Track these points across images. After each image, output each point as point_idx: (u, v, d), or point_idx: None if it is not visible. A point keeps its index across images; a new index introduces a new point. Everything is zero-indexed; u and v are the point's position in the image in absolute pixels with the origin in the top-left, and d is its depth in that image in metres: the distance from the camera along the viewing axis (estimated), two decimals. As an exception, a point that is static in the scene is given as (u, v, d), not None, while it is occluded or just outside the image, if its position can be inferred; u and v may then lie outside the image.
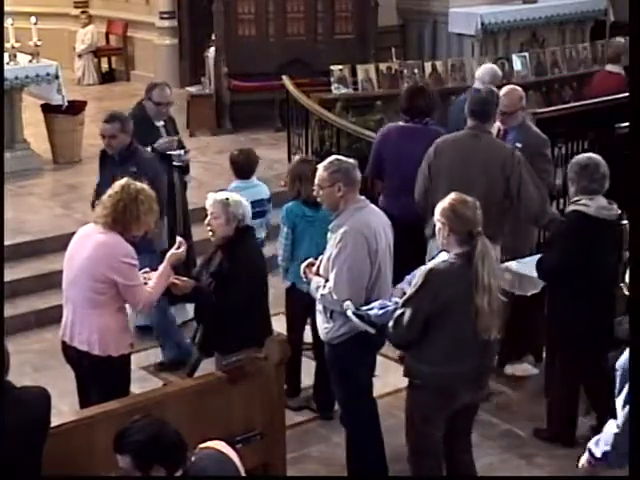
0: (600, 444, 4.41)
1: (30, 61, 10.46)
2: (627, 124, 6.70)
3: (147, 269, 5.63)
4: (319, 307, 5.60)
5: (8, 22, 10.31)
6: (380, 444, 5.76)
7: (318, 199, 5.64)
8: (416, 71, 11.18)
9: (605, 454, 4.37)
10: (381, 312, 5.29)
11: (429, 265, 5.17)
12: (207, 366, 7.23)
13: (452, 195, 5.12)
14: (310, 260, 5.71)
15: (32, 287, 8.22)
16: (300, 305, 6.54)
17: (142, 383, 6.69)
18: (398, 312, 5.11)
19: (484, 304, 4.95)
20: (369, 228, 5.46)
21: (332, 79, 11.02)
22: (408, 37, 14.01)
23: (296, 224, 6.58)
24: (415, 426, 5.26)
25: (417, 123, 7.29)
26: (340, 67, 11.07)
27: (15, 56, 10.32)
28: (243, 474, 4.12)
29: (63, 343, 5.54)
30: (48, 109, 10.87)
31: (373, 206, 5.68)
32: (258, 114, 12.00)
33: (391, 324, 5.13)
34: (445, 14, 13.35)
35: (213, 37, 12.16)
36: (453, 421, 5.26)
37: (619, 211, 5.95)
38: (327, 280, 5.46)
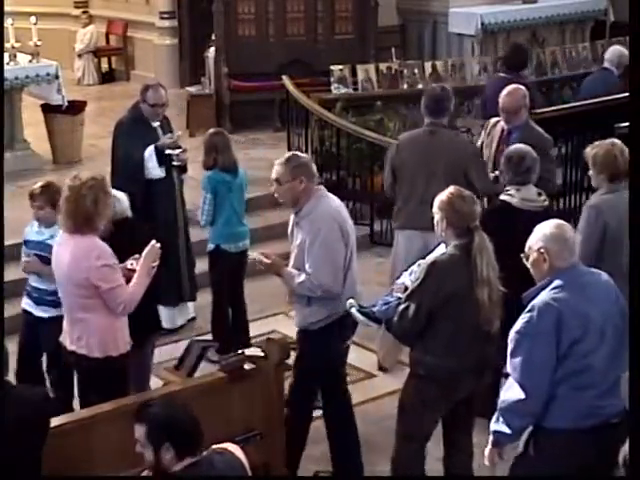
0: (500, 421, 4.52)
1: (30, 61, 10.47)
2: (627, 124, 6.69)
3: (136, 256, 5.58)
4: (295, 295, 5.68)
5: (8, 22, 10.31)
6: (355, 430, 5.93)
7: (275, 195, 5.71)
8: (416, 71, 11.18)
9: (512, 422, 4.48)
10: (384, 307, 5.34)
11: (430, 258, 5.21)
12: (207, 366, 7.27)
13: (451, 189, 5.23)
14: (264, 252, 5.82)
15: (32, 287, 8.19)
16: (225, 264, 7.29)
17: (142, 383, 6.69)
18: (402, 306, 5.18)
19: (484, 297, 5.04)
20: (339, 213, 5.65)
21: (332, 79, 11.02)
22: (408, 37, 14.02)
23: (217, 190, 7.23)
24: (410, 413, 5.31)
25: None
26: (340, 67, 11.07)
27: (15, 56, 10.33)
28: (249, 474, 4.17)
29: (63, 347, 5.54)
30: (48, 109, 10.87)
31: (331, 194, 5.77)
32: (258, 114, 12.00)
33: (396, 318, 5.20)
34: (445, 14, 13.36)
35: (213, 37, 12.15)
36: (455, 411, 5.33)
37: (546, 203, 6.13)
38: (299, 269, 5.55)
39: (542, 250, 4.51)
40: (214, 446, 4.13)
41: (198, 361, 7.57)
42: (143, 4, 14.33)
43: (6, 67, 9.89)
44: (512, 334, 4.49)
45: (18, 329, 7.73)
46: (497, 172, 6.89)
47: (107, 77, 15.01)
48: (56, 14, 14.84)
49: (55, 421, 4.51)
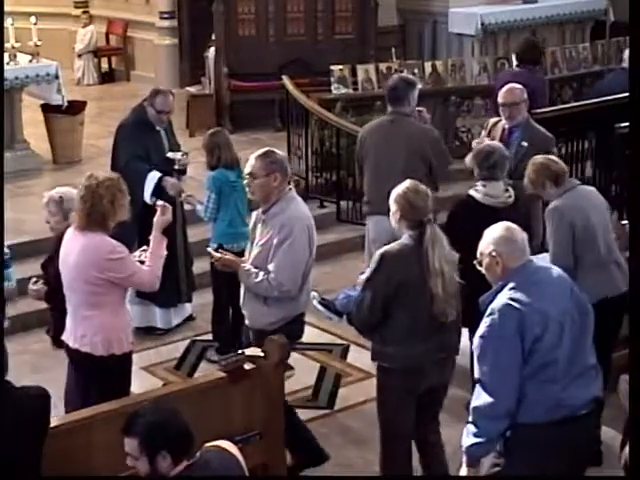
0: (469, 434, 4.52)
1: (30, 61, 10.48)
2: (627, 124, 6.69)
3: (145, 247, 5.66)
4: (250, 294, 5.71)
5: (8, 22, 10.32)
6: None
7: (247, 189, 5.73)
8: (416, 71, 11.17)
9: (476, 436, 4.48)
10: (345, 301, 5.44)
11: (382, 249, 5.27)
12: (207, 366, 7.28)
13: (407, 183, 5.33)
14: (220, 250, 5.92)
15: (32, 287, 8.20)
16: None
17: (142, 383, 6.70)
18: (359, 297, 5.27)
19: (438, 289, 5.09)
20: (309, 218, 5.70)
21: (332, 79, 11.01)
22: (408, 37, 14.01)
23: (222, 190, 7.23)
24: (388, 410, 5.36)
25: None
26: (340, 67, 11.06)
27: (15, 56, 10.33)
28: (247, 474, 4.14)
29: (66, 345, 5.54)
30: (48, 109, 10.87)
31: (299, 197, 5.81)
32: (258, 114, 11.99)
33: (354, 310, 5.30)
34: (445, 14, 13.34)
35: (213, 37, 12.16)
36: (420, 404, 5.36)
37: (510, 200, 6.20)
38: (258, 267, 5.58)
39: (494, 254, 4.57)
40: (207, 444, 4.09)
41: (198, 361, 7.60)
42: (143, 4, 14.33)
43: (6, 67, 9.89)
44: (476, 339, 4.54)
45: (18, 329, 7.76)
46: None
47: (107, 77, 15.01)
48: (56, 14, 14.84)
49: (55, 421, 4.51)
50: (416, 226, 5.17)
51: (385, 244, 5.42)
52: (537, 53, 9.63)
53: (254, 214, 5.85)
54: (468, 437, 4.52)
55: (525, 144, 7.08)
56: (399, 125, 7.11)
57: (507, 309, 4.45)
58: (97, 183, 5.37)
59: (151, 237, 5.58)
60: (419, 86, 7.37)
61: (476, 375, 4.55)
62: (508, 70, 10.25)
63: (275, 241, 5.54)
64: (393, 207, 5.29)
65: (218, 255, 5.86)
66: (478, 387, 4.52)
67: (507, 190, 6.28)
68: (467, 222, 5.76)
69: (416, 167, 6.94)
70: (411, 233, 5.19)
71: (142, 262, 5.53)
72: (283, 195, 5.61)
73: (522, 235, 4.65)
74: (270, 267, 5.54)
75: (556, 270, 4.74)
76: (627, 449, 3.96)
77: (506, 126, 7.28)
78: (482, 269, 4.67)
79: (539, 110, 8.52)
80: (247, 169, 5.66)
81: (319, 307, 5.57)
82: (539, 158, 6.14)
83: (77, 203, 5.40)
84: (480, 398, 4.49)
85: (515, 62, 9.75)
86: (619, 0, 12.86)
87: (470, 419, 4.53)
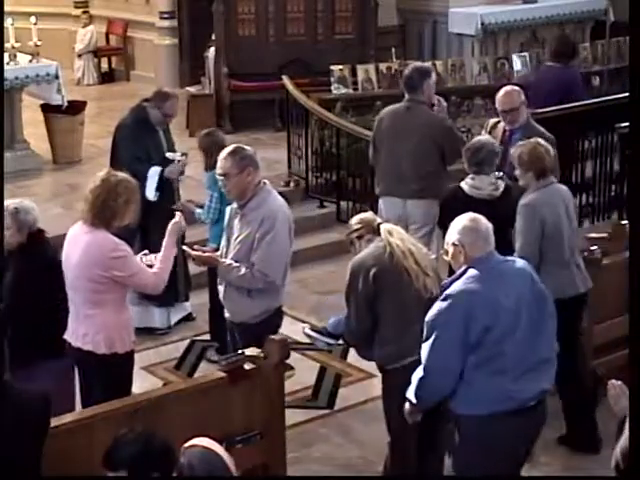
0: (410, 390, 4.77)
1: (30, 61, 10.47)
2: (627, 124, 6.69)
3: (146, 251, 5.68)
4: (231, 288, 5.74)
5: (8, 22, 10.31)
6: None
7: (223, 189, 5.77)
8: (416, 71, 11.15)
9: (415, 395, 4.75)
10: (336, 323, 5.57)
11: (349, 264, 5.43)
12: (207, 366, 7.28)
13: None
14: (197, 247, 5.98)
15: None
16: None
17: (142, 383, 6.70)
18: (345, 315, 5.43)
19: (412, 265, 5.23)
20: (287, 208, 5.77)
21: (332, 79, 11.02)
22: (408, 37, 14.01)
23: (220, 190, 7.09)
24: (396, 412, 5.29)
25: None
26: (340, 67, 11.07)
27: (15, 56, 10.33)
28: (233, 470, 4.03)
29: (68, 344, 5.54)
30: (48, 109, 10.87)
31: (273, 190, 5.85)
32: (258, 114, 11.99)
33: (345, 328, 5.46)
34: (445, 14, 13.35)
35: (213, 37, 12.15)
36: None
37: (495, 193, 6.41)
38: (238, 262, 5.62)
39: (457, 243, 4.72)
40: (185, 444, 3.94)
41: (198, 361, 7.59)
42: (143, 4, 14.33)
43: (6, 67, 9.88)
44: (426, 321, 4.68)
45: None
46: (501, 173, 6.93)
47: (107, 77, 15.00)
48: (56, 14, 14.83)
49: (55, 421, 4.51)
50: (373, 232, 5.39)
51: (395, 224, 5.65)
52: (571, 48, 9.98)
53: (228, 209, 5.87)
54: (409, 394, 4.78)
55: None
56: (413, 112, 7.49)
57: (457, 297, 4.59)
58: (116, 181, 5.37)
59: (164, 242, 5.58)
60: (434, 74, 7.72)
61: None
62: (544, 66, 10.49)
63: (258, 235, 5.57)
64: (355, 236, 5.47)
65: (195, 253, 5.86)
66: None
67: (494, 184, 6.46)
68: (455, 212, 5.83)
69: (427, 152, 7.45)
70: (369, 237, 5.39)
71: (150, 266, 5.53)
72: (259, 189, 5.65)
73: (487, 226, 4.76)
74: (254, 259, 5.58)
75: (519, 262, 4.85)
76: (617, 450, 3.98)
77: (507, 127, 7.28)
78: (448, 258, 4.83)
79: (539, 110, 8.53)
80: (218, 170, 5.70)
81: (313, 334, 5.69)
82: (540, 146, 6.22)
83: (90, 198, 5.35)
84: (417, 371, 4.72)
85: (550, 58, 10.13)
86: (619, 0, 12.86)
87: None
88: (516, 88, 7.43)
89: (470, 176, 6.52)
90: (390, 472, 5.57)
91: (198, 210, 7.43)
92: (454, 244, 4.73)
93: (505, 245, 6.10)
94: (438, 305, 4.65)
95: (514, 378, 4.59)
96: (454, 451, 4.87)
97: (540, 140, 6.34)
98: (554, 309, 4.81)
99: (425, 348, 4.66)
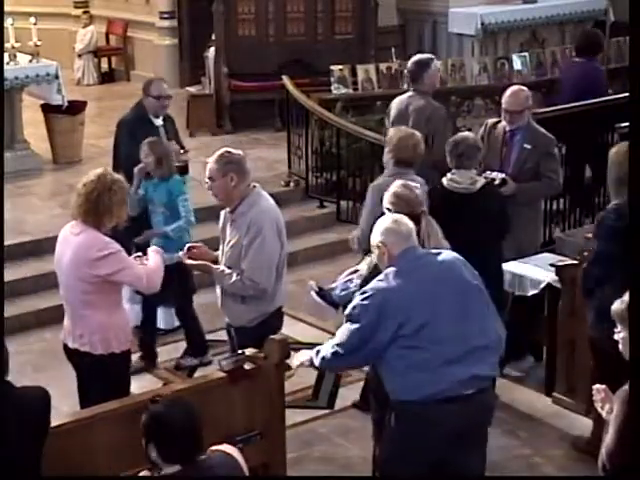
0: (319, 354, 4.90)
1: (30, 61, 10.47)
2: (627, 124, 6.69)
3: (139, 253, 5.67)
4: (227, 294, 5.73)
5: (8, 22, 10.31)
6: None
7: (210, 192, 5.74)
8: (416, 71, 11.15)
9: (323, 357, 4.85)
10: (343, 293, 5.57)
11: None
12: (207, 366, 7.28)
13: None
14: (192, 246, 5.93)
15: (32, 287, 8.22)
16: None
17: (142, 383, 6.70)
18: (354, 286, 5.49)
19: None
20: (275, 211, 5.73)
21: (332, 79, 11.02)
22: (408, 37, 14.02)
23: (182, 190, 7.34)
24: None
25: None
26: (340, 67, 11.07)
27: (15, 56, 10.33)
28: (246, 471, 4.15)
29: (64, 345, 5.54)
30: (48, 109, 10.87)
31: (264, 192, 5.81)
32: (258, 114, 11.99)
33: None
34: (445, 14, 13.35)
35: (213, 37, 12.15)
36: None
37: (472, 187, 6.38)
38: (231, 268, 5.61)
39: (380, 244, 4.80)
40: (212, 448, 4.10)
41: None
42: (143, 4, 14.33)
43: (6, 67, 9.89)
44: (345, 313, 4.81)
45: (18, 329, 7.77)
46: (502, 174, 6.93)
47: (107, 77, 15.01)
48: (56, 14, 14.85)
49: (55, 421, 4.51)
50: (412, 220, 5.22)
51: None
52: (595, 42, 10.09)
53: (222, 214, 5.85)
54: (320, 352, 4.86)
55: (528, 147, 7.07)
56: (413, 100, 7.91)
57: (372, 294, 4.67)
58: (112, 179, 5.36)
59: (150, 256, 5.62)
60: (435, 64, 8.18)
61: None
62: (569, 61, 10.72)
63: (245, 241, 5.56)
64: (388, 207, 5.41)
65: (190, 262, 5.84)
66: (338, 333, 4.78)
67: (472, 178, 6.43)
68: (439, 207, 5.93)
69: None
70: None
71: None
72: (248, 193, 5.63)
73: (408, 226, 4.83)
74: (243, 266, 5.57)
75: (447, 254, 4.87)
76: (603, 451, 4.06)
77: (507, 128, 7.24)
78: (375, 260, 4.92)
79: (539, 110, 8.53)
80: (207, 173, 5.69)
81: (316, 298, 5.70)
82: (414, 135, 6.55)
83: (83, 192, 5.33)
84: (331, 341, 4.81)
85: (576, 54, 10.27)
86: (619, 0, 12.86)
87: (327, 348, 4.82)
88: (524, 89, 7.28)
89: (452, 171, 6.51)
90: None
91: (171, 227, 7.28)
92: (378, 245, 4.81)
93: (493, 239, 6.43)
94: (354, 301, 4.75)
95: (440, 366, 4.60)
96: (390, 435, 4.83)
97: (417, 133, 6.60)
98: (485, 297, 4.80)
99: (341, 330, 4.76)
